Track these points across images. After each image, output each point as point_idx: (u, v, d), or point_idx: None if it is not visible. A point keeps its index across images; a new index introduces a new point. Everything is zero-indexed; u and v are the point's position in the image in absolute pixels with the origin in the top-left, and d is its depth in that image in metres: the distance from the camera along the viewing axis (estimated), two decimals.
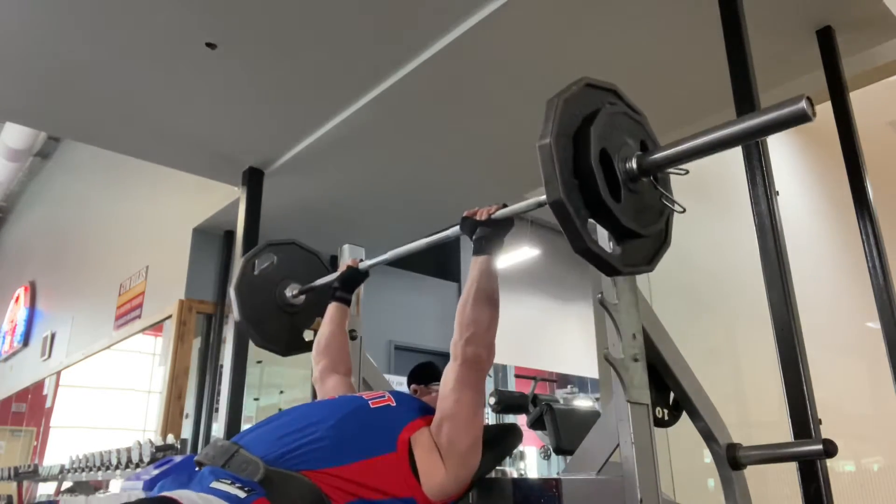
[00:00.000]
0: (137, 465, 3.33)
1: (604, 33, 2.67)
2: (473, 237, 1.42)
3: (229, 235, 4.75)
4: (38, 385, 6.89)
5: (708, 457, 1.49)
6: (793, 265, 2.01)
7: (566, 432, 1.68)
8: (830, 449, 1.30)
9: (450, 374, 1.33)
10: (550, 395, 1.90)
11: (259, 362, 4.82)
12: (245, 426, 3.39)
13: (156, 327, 4.89)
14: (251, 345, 3.16)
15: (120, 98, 3.18)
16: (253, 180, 3.79)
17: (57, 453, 6.20)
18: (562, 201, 0.94)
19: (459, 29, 2.61)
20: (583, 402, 2.18)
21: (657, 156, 1.04)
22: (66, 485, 4.44)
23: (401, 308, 5.59)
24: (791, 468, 1.82)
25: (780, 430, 1.87)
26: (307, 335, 2.04)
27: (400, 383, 1.97)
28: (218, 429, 3.82)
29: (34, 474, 4.79)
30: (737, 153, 2.06)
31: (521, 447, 6.39)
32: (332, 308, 1.84)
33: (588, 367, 6.45)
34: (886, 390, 2.13)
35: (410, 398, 1.50)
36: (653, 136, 1.13)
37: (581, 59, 2.80)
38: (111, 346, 5.52)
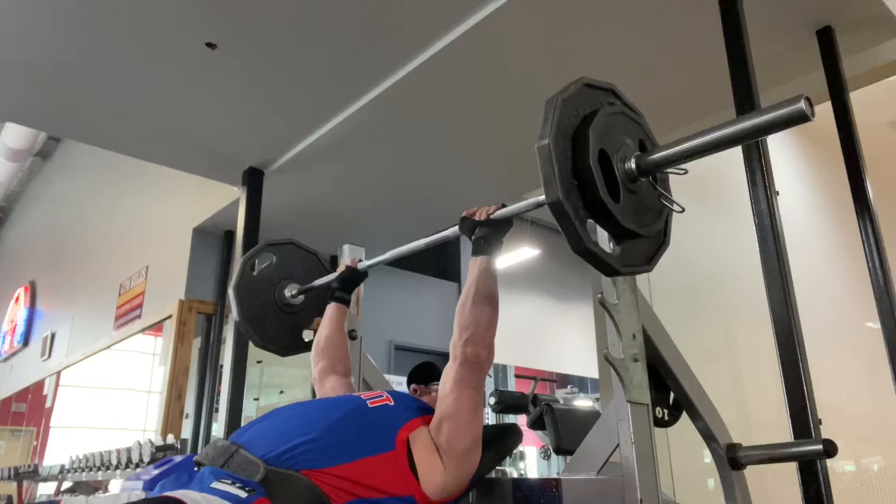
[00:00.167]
0: (137, 465, 3.34)
1: (603, 33, 2.67)
2: (472, 237, 1.41)
3: (229, 235, 4.75)
4: (38, 385, 6.89)
5: (708, 457, 1.48)
6: (793, 265, 2.01)
7: (566, 432, 1.67)
8: (830, 449, 1.30)
9: (449, 373, 1.33)
10: (550, 395, 1.89)
11: (259, 362, 4.82)
12: None
13: (156, 327, 4.89)
14: (251, 345, 3.16)
15: (120, 98, 3.18)
16: (253, 180, 3.80)
17: (57, 453, 6.21)
18: (561, 202, 0.94)
19: (459, 29, 2.61)
20: (583, 402, 2.18)
21: (656, 156, 1.04)
22: (66, 485, 4.45)
23: (401, 308, 5.59)
24: (791, 468, 1.82)
25: (780, 430, 1.87)
26: (306, 335, 2.03)
27: (400, 383, 1.96)
28: (218, 429, 3.82)
29: (34, 474, 4.80)
30: (737, 153, 2.06)
31: (521, 447, 6.39)
32: (330, 308, 1.84)
33: (588, 367, 6.45)
34: (886, 390, 2.13)
35: (408, 398, 1.50)
36: (651, 135, 1.13)
37: (580, 58, 2.80)
38: (111, 346, 5.53)
